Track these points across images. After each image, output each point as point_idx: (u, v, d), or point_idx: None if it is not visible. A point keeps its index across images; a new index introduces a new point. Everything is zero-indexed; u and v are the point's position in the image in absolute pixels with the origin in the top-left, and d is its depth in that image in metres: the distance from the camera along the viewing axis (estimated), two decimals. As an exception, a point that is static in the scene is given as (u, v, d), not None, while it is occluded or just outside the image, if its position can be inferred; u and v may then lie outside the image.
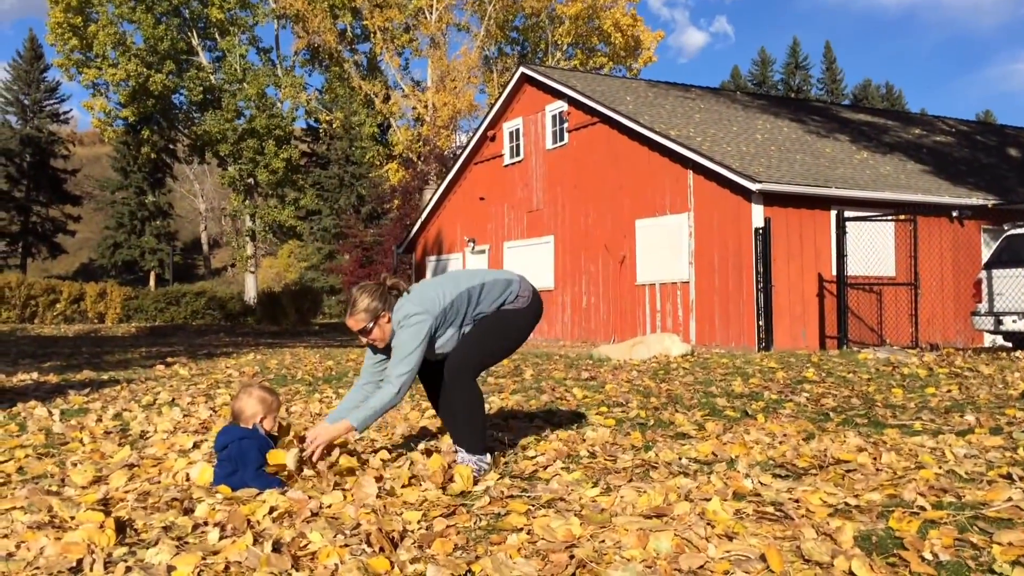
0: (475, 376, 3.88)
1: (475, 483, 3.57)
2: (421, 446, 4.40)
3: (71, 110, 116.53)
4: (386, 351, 3.88)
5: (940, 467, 3.71)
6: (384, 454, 4.00)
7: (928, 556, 2.53)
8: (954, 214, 14.88)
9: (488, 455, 3.89)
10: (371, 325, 3.73)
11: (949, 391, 6.30)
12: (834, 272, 13.55)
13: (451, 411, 3.90)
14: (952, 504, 3.11)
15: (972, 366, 7.84)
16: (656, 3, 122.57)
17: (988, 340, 14.28)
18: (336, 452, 3.69)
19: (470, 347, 3.85)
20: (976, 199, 15.21)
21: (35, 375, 8.55)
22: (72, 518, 2.97)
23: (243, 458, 3.51)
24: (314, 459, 3.56)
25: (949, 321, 15.06)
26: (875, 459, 3.88)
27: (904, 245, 14.31)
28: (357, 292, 3.77)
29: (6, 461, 4.21)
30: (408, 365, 3.65)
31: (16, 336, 19.12)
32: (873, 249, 13.79)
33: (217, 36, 40.66)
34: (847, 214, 13.25)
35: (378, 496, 3.33)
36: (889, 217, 13.86)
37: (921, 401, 5.88)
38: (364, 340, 3.83)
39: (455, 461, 3.85)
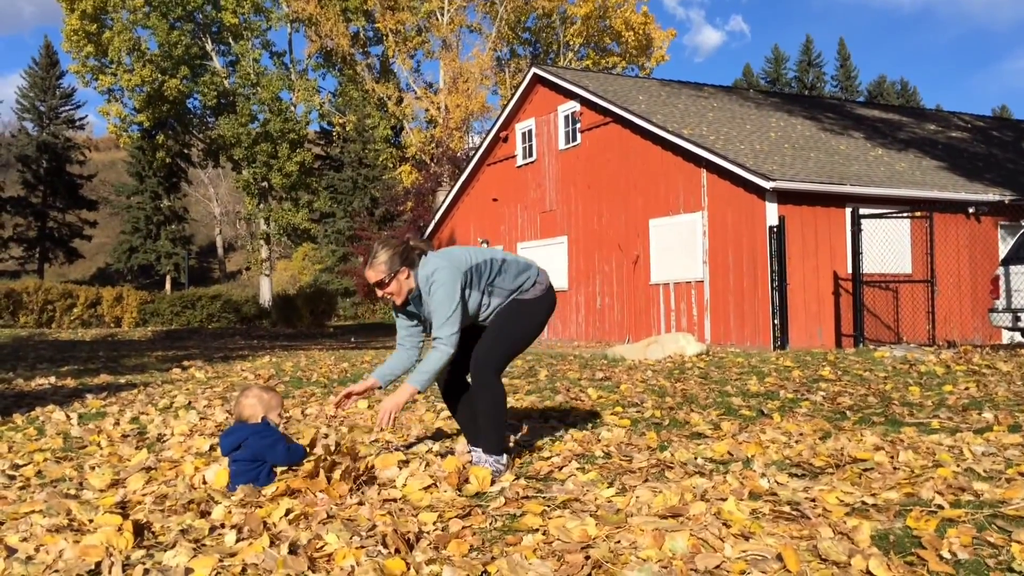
0: (500, 372, 3.89)
1: (491, 484, 3.58)
2: (436, 447, 4.41)
3: (87, 116, 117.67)
4: (409, 315, 3.95)
5: (958, 465, 3.69)
6: (400, 455, 4.02)
7: (946, 555, 2.51)
8: (970, 210, 14.77)
9: (504, 456, 3.89)
10: (388, 278, 3.75)
11: (967, 389, 6.26)
12: (850, 270, 13.47)
13: (474, 409, 3.90)
14: (970, 503, 3.09)
15: (990, 363, 7.78)
16: (671, 2, 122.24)
17: (1006, 337, 14.16)
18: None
19: (493, 341, 3.85)
20: (993, 195, 15.08)
21: (53, 379, 8.62)
22: (90, 521, 2.99)
23: (265, 444, 3.59)
24: (386, 427, 3.72)
25: (966, 318, 14.94)
26: (892, 458, 3.86)
27: (920, 242, 14.22)
28: (378, 245, 3.80)
29: (25, 465, 4.25)
30: (453, 326, 3.69)
31: (34, 341, 19.28)
32: (889, 246, 13.70)
33: (231, 40, 40.86)
34: (862, 211, 13.17)
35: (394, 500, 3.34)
36: (905, 214, 13.76)
37: (938, 399, 5.84)
38: (380, 293, 3.82)
39: (471, 462, 3.86)
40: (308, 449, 3.85)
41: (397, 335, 4.07)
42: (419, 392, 3.75)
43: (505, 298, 3.91)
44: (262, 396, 3.77)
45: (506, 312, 3.91)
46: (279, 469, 3.65)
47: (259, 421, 3.71)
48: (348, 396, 3.86)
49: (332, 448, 3.70)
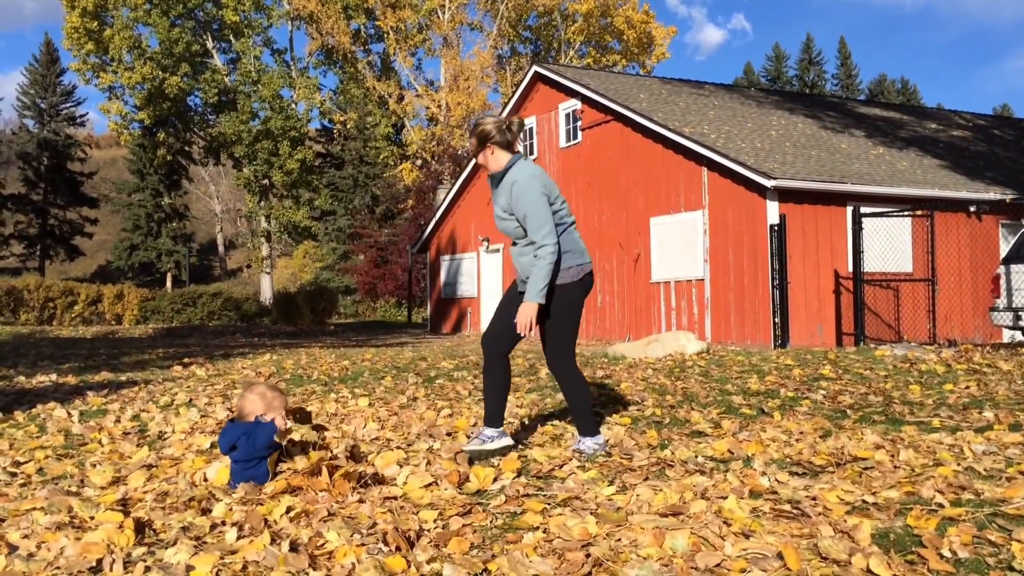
0: (574, 360, 4.24)
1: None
2: (437, 445, 4.42)
3: (87, 113, 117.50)
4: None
5: (958, 464, 3.69)
6: (400, 453, 4.02)
7: (947, 554, 2.52)
8: (971, 209, 14.75)
9: (601, 436, 4.28)
10: (479, 148, 4.21)
11: (967, 387, 6.25)
12: (850, 268, 13.47)
13: (566, 401, 4.42)
14: (971, 501, 3.09)
15: (991, 362, 7.78)
16: (674, 1, 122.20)
17: (1007, 336, 14.16)
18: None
19: (562, 334, 4.20)
20: (994, 194, 15.08)
21: (54, 377, 8.63)
22: (92, 518, 3.00)
23: (250, 442, 3.57)
24: (528, 332, 4.09)
25: (967, 317, 14.94)
26: (893, 456, 3.86)
27: (921, 241, 14.21)
28: (479, 118, 4.44)
29: (26, 462, 4.26)
30: (551, 235, 4.04)
31: (35, 338, 19.29)
32: (890, 245, 13.70)
33: (232, 38, 40.87)
34: (863, 210, 13.17)
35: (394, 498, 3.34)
36: (906, 213, 13.76)
37: (939, 398, 5.84)
38: (479, 160, 4.30)
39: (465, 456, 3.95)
40: (282, 423, 3.64)
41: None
42: (541, 304, 4.07)
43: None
44: (265, 394, 3.74)
45: (561, 304, 4.18)
46: (283, 465, 3.62)
47: (251, 419, 3.68)
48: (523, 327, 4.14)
49: (333, 451, 3.68)
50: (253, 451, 3.55)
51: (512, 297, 4.34)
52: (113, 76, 38.50)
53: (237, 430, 3.63)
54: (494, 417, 4.26)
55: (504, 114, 20.90)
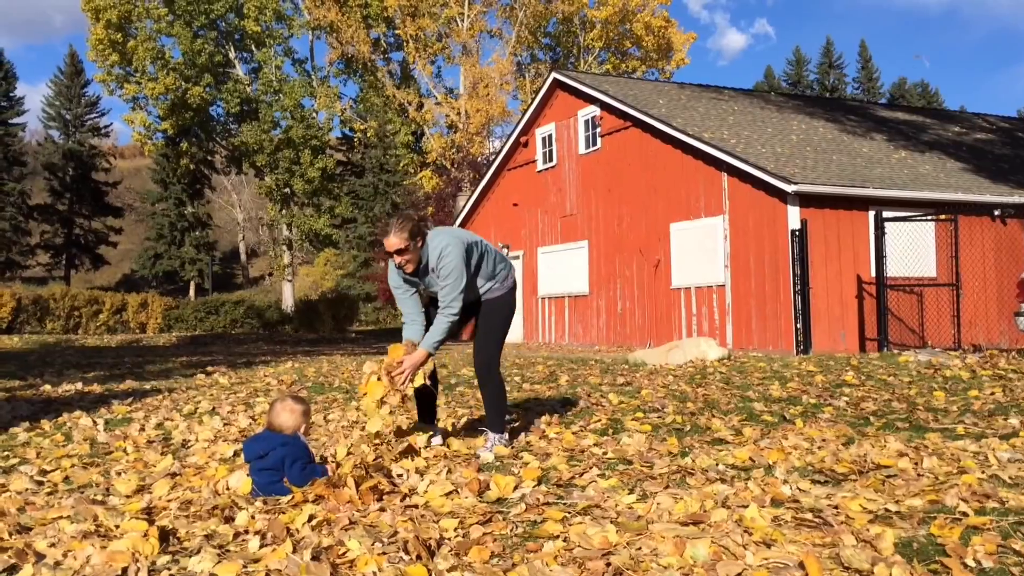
0: (498, 366, 4.74)
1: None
2: (452, 450, 4.43)
3: (112, 124, 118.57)
4: (410, 284, 4.61)
5: (983, 472, 3.65)
6: (420, 462, 4.03)
7: (971, 563, 2.50)
8: (996, 213, 14.60)
9: (506, 435, 4.71)
10: (407, 245, 4.36)
11: (992, 394, 6.19)
12: (873, 273, 13.36)
13: (483, 398, 4.75)
14: (995, 510, 3.06)
15: (1016, 368, 7.69)
16: (696, 6, 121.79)
17: (1033, 341, 14.00)
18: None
19: (487, 342, 4.68)
20: (1018, 197, 14.91)
21: (79, 385, 8.72)
22: (117, 527, 3.03)
23: (288, 461, 3.61)
24: (402, 385, 4.38)
25: (992, 322, 14.77)
26: (916, 464, 3.83)
27: (945, 245, 14.07)
28: (399, 218, 4.44)
29: (53, 471, 4.31)
30: (458, 300, 4.41)
31: (61, 347, 19.50)
32: (913, 250, 13.58)
33: (253, 48, 41.21)
34: (886, 214, 13.07)
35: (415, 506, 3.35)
36: (929, 217, 13.63)
37: (964, 404, 5.78)
38: (397, 259, 4.42)
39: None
40: (331, 469, 3.74)
41: (404, 314, 4.71)
42: (431, 354, 4.47)
43: (486, 280, 4.64)
44: (295, 408, 3.82)
45: (493, 312, 4.67)
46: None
47: (289, 432, 3.74)
48: (402, 372, 4.41)
49: (359, 462, 3.70)
50: (289, 479, 3.59)
51: (483, 313, 4.73)
52: (137, 87, 38.92)
53: (273, 441, 3.66)
54: (498, 423, 4.68)
55: (524, 121, 20.97)
